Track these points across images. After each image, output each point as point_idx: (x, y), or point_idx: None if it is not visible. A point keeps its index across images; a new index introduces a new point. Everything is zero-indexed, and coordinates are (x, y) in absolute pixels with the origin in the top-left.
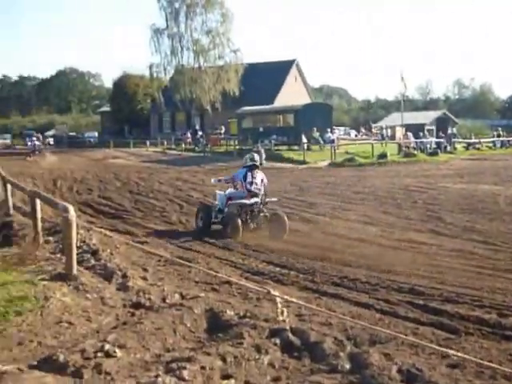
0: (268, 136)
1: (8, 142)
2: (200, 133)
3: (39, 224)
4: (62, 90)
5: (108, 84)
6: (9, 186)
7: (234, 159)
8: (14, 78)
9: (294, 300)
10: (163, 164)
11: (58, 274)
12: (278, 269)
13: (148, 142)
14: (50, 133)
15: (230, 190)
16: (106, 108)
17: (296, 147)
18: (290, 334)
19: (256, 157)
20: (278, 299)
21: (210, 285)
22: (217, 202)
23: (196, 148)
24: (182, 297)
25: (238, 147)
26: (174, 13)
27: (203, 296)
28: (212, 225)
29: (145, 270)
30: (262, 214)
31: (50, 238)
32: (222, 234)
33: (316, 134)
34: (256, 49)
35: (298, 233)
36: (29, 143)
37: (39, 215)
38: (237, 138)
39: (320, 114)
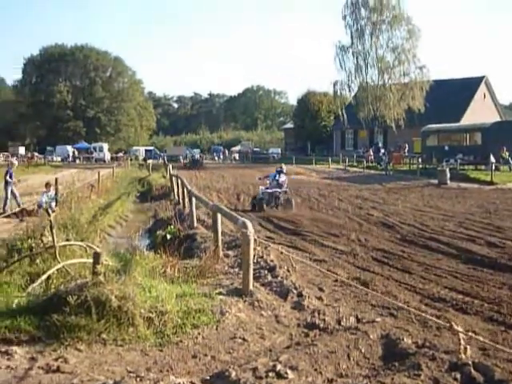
0: (453, 155)
1: (197, 156)
2: (382, 150)
3: (220, 238)
4: (248, 107)
5: (293, 101)
6: (193, 200)
7: (418, 178)
8: (205, 95)
9: (480, 338)
10: (344, 181)
11: (234, 289)
12: (460, 296)
13: (330, 159)
14: (236, 148)
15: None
16: (290, 125)
17: (483, 167)
18: (473, 370)
19: (283, 166)
20: (461, 335)
21: (388, 309)
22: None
23: (378, 166)
24: (358, 320)
25: (421, 166)
26: (360, 30)
27: (380, 321)
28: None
29: (321, 289)
30: (279, 200)
31: (230, 252)
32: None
33: (505, 154)
34: (442, 65)
35: (486, 258)
36: (216, 158)
37: (220, 229)
38: (420, 156)
39: (511, 132)
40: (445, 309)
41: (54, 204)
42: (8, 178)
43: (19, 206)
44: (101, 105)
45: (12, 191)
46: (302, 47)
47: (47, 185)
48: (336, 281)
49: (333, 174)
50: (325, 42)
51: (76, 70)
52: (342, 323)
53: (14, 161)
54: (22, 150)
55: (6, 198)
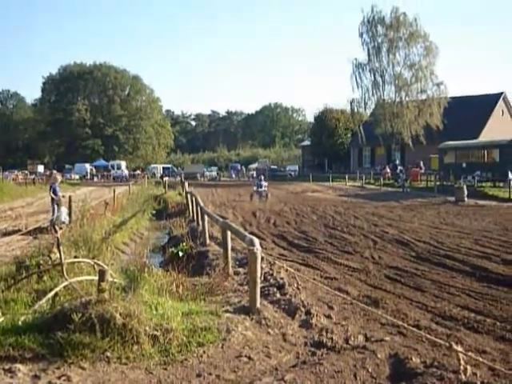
0: (471, 172)
1: (214, 174)
2: (400, 167)
3: (229, 255)
4: (266, 124)
5: (310, 118)
6: (206, 217)
7: (435, 195)
8: (222, 113)
9: (485, 362)
10: (360, 198)
11: (242, 307)
12: (472, 314)
13: (347, 176)
14: (254, 166)
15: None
16: (307, 142)
17: (501, 184)
18: None
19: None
20: (461, 355)
21: (397, 328)
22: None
23: (395, 183)
24: (366, 339)
25: (438, 183)
26: (376, 47)
27: (388, 340)
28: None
29: (330, 307)
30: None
31: (240, 270)
32: None
33: None
34: (460, 81)
35: (501, 276)
36: (233, 175)
37: (230, 246)
38: (438, 173)
39: None
40: (456, 327)
41: (65, 217)
42: (53, 194)
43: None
44: (119, 123)
45: (54, 207)
46: (318, 64)
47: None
48: (346, 298)
49: (349, 191)
50: (341, 58)
51: (95, 89)
52: (350, 342)
53: (58, 176)
54: (40, 168)
55: (54, 212)
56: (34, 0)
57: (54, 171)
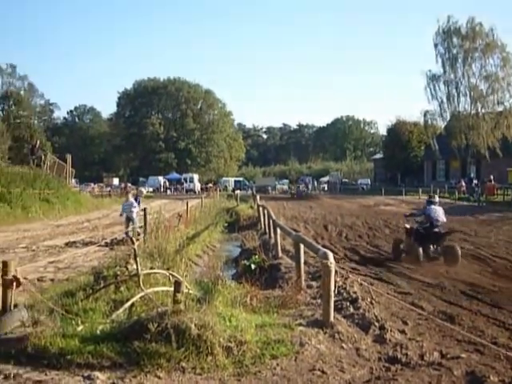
0: None
1: (285, 187)
2: (475, 181)
3: (302, 268)
4: (337, 137)
5: (382, 131)
6: (278, 230)
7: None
8: (294, 126)
9: None
10: None
11: (315, 321)
12: None
13: (420, 190)
14: (325, 179)
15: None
16: (379, 155)
17: None
18: None
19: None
20: None
21: (474, 345)
22: None
23: (471, 197)
24: (442, 355)
25: None
26: (452, 59)
27: (465, 357)
28: None
29: (404, 322)
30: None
31: (313, 283)
32: None
33: None
34: None
35: None
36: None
37: (302, 259)
38: None
39: None
40: None
41: (136, 210)
42: (137, 205)
43: (126, 233)
44: (192, 136)
45: (133, 218)
46: (390, 76)
47: (127, 193)
48: (420, 314)
49: (422, 205)
50: (414, 70)
51: (168, 103)
52: (425, 358)
53: (143, 189)
54: (115, 181)
55: (134, 224)
56: (110, 19)
57: (129, 184)
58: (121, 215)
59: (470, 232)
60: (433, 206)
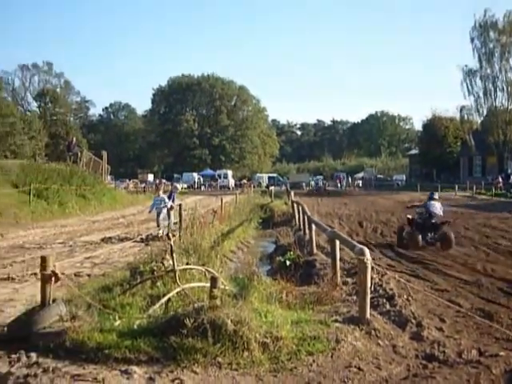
0: None
1: (320, 183)
2: None
3: (338, 264)
4: (372, 133)
5: (418, 127)
6: (313, 226)
7: None
8: (328, 122)
9: None
10: (471, 209)
11: (351, 317)
12: None
13: (456, 186)
14: (359, 175)
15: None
16: (415, 151)
17: None
18: None
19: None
20: None
21: None
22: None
23: (508, 193)
24: (480, 353)
25: None
26: (488, 53)
27: (504, 355)
28: None
29: (442, 320)
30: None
31: (348, 280)
32: None
33: None
34: None
35: None
36: (338, 185)
37: (338, 256)
38: None
39: None
40: None
41: (168, 206)
42: (171, 201)
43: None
44: (226, 133)
45: (169, 214)
46: (425, 71)
47: (157, 189)
48: (458, 311)
49: (459, 201)
50: (449, 65)
51: (202, 100)
52: (463, 356)
53: (178, 185)
54: (150, 177)
55: (169, 220)
56: (146, 17)
57: (163, 180)
58: (149, 212)
59: (507, 228)
60: (432, 202)
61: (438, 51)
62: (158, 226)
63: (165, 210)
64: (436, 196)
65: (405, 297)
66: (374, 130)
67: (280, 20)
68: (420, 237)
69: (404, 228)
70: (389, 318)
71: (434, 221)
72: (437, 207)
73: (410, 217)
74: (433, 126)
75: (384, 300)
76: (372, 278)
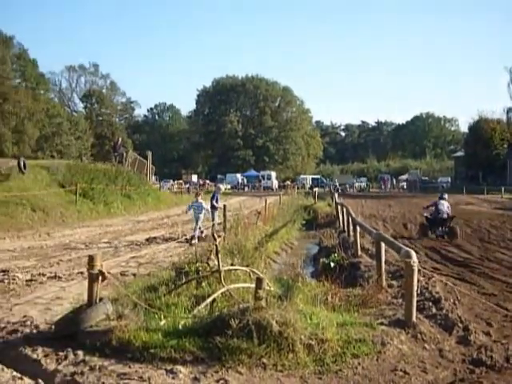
0: None
1: (363, 185)
2: None
3: (383, 267)
4: (417, 134)
5: (464, 128)
6: (358, 228)
7: None
8: (372, 123)
9: None
10: None
11: (397, 320)
12: None
13: (503, 189)
14: (404, 177)
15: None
16: (460, 153)
17: None
18: None
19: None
20: None
21: None
22: None
23: None
24: None
25: None
26: None
27: None
28: None
29: (489, 324)
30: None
31: (394, 282)
32: None
33: None
34: None
35: None
36: (382, 186)
37: (383, 258)
38: None
39: None
40: None
41: (205, 210)
42: (215, 202)
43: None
44: (269, 134)
45: (214, 215)
46: (472, 72)
47: (196, 194)
48: (506, 316)
49: (506, 204)
50: (497, 66)
51: (246, 101)
52: (511, 361)
53: (221, 186)
54: (194, 178)
55: (213, 221)
56: (190, 19)
57: (207, 181)
58: (186, 213)
59: None
60: (442, 201)
61: (485, 53)
62: (194, 230)
63: (202, 216)
64: (445, 196)
65: (451, 300)
66: (419, 131)
67: (324, 22)
68: (429, 230)
69: (424, 224)
70: (435, 321)
71: (441, 216)
72: (444, 205)
73: (425, 214)
74: (479, 127)
75: (430, 303)
76: (418, 281)
